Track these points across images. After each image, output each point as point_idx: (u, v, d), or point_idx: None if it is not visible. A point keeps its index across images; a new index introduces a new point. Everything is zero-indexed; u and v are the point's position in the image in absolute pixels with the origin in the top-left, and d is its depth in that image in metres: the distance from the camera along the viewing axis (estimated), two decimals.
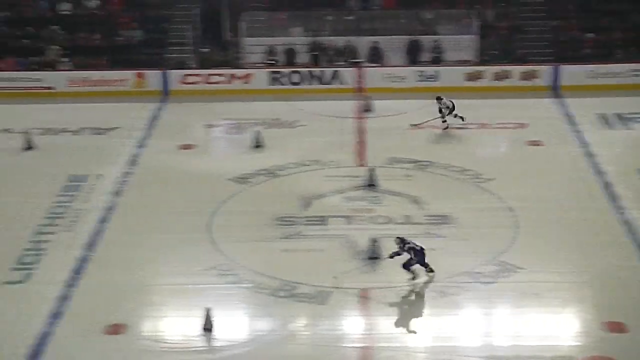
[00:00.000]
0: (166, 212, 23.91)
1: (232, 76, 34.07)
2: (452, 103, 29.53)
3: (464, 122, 29.62)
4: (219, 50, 36.00)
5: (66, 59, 34.86)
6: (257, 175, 26.30)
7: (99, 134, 29.96)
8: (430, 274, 20.40)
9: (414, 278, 20.32)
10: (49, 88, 33.76)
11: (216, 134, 30.37)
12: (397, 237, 20.41)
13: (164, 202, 24.53)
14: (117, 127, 30.33)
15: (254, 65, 34.87)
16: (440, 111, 29.50)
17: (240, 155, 28.03)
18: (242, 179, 25.96)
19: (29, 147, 28.52)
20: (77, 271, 20.95)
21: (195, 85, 33.72)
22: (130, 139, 29.31)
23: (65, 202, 24.67)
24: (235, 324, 19.15)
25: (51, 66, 34.64)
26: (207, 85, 33.77)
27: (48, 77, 33.96)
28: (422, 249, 20.16)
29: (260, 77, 34.05)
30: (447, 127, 29.65)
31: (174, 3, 36.79)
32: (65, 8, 36.58)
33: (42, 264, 21.41)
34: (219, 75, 34.04)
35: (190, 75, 34.14)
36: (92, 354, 18.00)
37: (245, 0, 36.87)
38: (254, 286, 20.23)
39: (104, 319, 18.92)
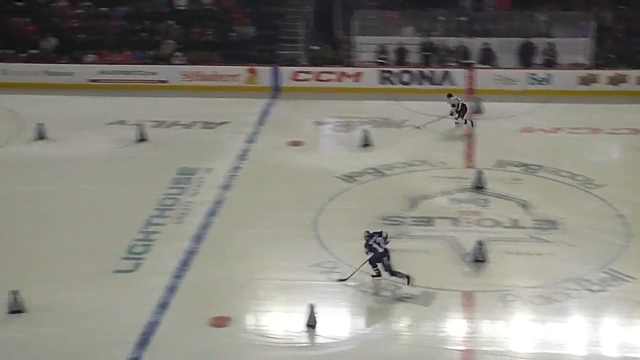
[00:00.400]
0: (273, 207, 24.12)
1: (343, 74, 34.13)
2: (464, 105, 29.14)
3: (473, 127, 29.29)
4: (330, 48, 36.08)
5: (180, 54, 35.46)
6: (364, 173, 26.33)
7: (210, 128, 30.41)
8: (376, 277, 20.06)
9: (377, 275, 20.03)
10: (163, 81, 34.40)
11: (325, 132, 30.48)
12: (367, 231, 20.21)
13: (272, 197, 24.76)
14: (227, 122, 30.73)
15: (364, 64, 34.87)
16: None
17: (348, 154, 28.08)
18: (350, 177, 26.02)
19: (142, 139, 29.13)
20: (185, 263, 21.32)
21: (306, 82, 33.90)
22: (240, 133, 29.66)
23: (175, 194, 25.11)
24: (338, 322, 19.22)
25: (166, 60, 35.29)
26: (318, 82, 33.91)
27: (163, 71, 34.61)
28: (384, 251, 19.78)
29: (370, 76, 34.05)
30: (458, 125, 29.19)
31: (287, 0, 37.04)
32: (181, 3, 37.21)
33: (151, 254, 21.85)
34: (330, 73, 34.15)
35: (301, 72, 34.33)
36: (197, 345, 18.28)
37: None
38: (358, 284, 20.26)
39: (209, 311, 19.22)
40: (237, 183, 25.96)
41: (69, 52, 35.74)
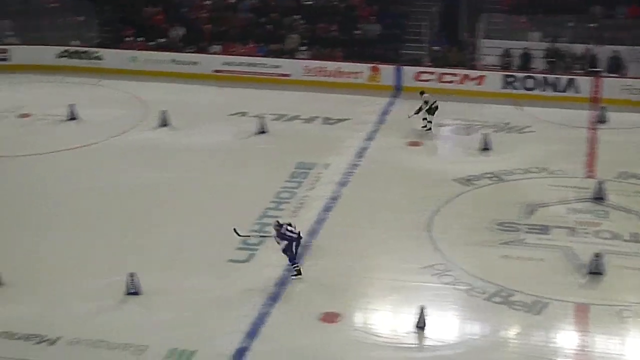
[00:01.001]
0: (388, 207, 24.08)
1: (465, 77, 33.86)
2: (437, 105, 29.42)
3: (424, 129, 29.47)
4: (454, 49, 35.82)
5: (304, 48, 35.71)
6: (482, 178, 26.06)
7: (330, 124, 30.55)
8: (295, 276, 20.45)
9: (298, 273, 20.51)
10: (285, 75, 34.71)
11: (444, 134, 30.27)
12: (277, 221, 20.63)
13: (387, 197, 24.74)
14: (347, 119, 30.82)
15: (488, 67, 34.51)
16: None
17: (466, 157, 27.85)
18: (467, 181, 25.80)
19: (262, 132, 29.46)
20: (298, 256, 21.39)
21: (428, 83, 33.68)
22: (359, 131, 29.71)
23: (291, 187, 25.32)
24: (448, 325, 19.09)
25: (290, 54, 35.58)
26: (440, 84, 33.69)
27: (286, 65, 34.91)
28: (298, 234, 20.47)
29: (493, 80, 33.67)
30: (426, 127, 29.50)
31: (414, 0, 36.92)
32: None
33: (265, 246, 22.00)
34: (452, 74, 33.92)
35: (423, 72, 34.16)
36: (305, 339, 18.41)
37: (486, 1, 36.47)
38: (469, 289, 20.09)
39: (319, 307, 19.34)
40: (353, 180, 26.01)
41: (196, 42, 36.40)
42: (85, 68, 35.89)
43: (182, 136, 29.25)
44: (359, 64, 34.38)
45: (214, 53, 35.71)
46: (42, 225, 23.22)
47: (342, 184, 25.71)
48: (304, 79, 34.29)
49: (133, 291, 19.76)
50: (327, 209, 24.12)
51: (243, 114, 31.17)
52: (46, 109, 31.44)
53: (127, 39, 36.82)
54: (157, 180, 25.74)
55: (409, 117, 29.40)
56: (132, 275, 19.76)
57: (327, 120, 30.74)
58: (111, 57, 36.01)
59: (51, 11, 37.77)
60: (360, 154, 27.93)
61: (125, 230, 22.93)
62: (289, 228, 20.63)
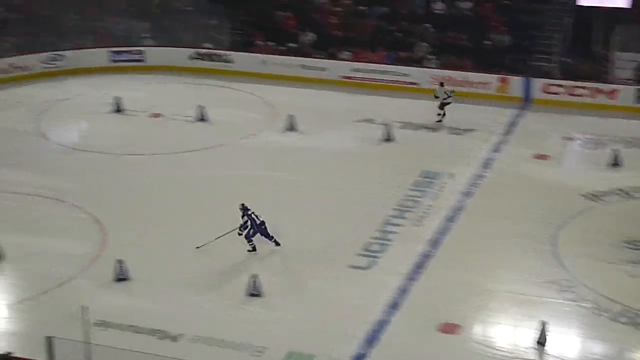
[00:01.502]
0: (513, 219, 23.80)
1: (597, 90, 33.14)
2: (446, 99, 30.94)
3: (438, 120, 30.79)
4: (586, 62, 35.11)
5: (433, 57, 35.57)
6: (611, 194, 25.49)
7: (456, 133, 30.35)
8: (277, 246, 21.76)
9: (253, 249, 21.78)
10: (413, 83, 34.66)
11: (573, 147, 29.75)
12: (242, 204, 21.68)
13: (512, 209, 24.45)
14: (474, 129, 30.56)
15: (621, 81, 33.70)
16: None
17: (595, 172, 27.26)
18: (595, 196, 25.27)
19: (388, 139, 29.48)
20: (419, 266, 21.42)
21: (557, 96, 33.20)
22: (486, 142, 29.45)
23: (415, 196, 25.26)
24: (570, 343, 18.74)
25: (418, 62, 35.51)
26: (570, 97, 33.12)
27: (414, 73, 34.86)
28: (262, 222, 21.63)
29: (626, 94, 32.87)
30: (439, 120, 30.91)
31: (546, 11, 36.34)
32: (438, 7, 37.32)
33: (386, 253, 22.09)
34: (583, 88, 33.25)
35: (553, 85, 33.64)
36: (424, 349, 18.36)
37: (622, 12, 35.57)
38: (593, 307, 19.68)
39: (438, 317, 19.24)
40: (478, 191, 25.79)
41: (325, 47, 36.66)
42: (216, 70, 36.59)
43: (308, 140, 29.52)
44: (487, 74, 34.05)
45: (343, 59, 35.91)
46: (169, 222, 23.77)
47: (467, 194, 25.52)
48: (432, 88, 34.02)
49: (254, 292, 20.04)
50: (451, 219, 23.98)
51: (370, 120, 31.25)
52: (176, 110, 32.17)
53: (258, 42, 37.36)
54: (282, 184, 26.06)
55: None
56: (254, 276, 20.04)
57: (453, 130, 30.55)
58: (241, 60, 36.61)
59: (185, 14, 38.66)
60: (486, 164, 27.66)
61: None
62: (256, 214, 21.75)
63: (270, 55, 36.47)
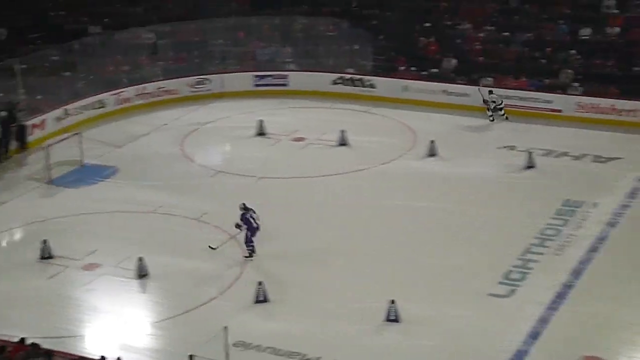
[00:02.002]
0: None
1: None
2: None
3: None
4: None
5: (577, 84, 34.88)
6: None
7: (600, 162, 29.59)
8: (248, 258, 22.64)
9: (250, 255, 22.70)
10: (557, 111, 34.04)
11: None
12: (243, 204, 22.59)
13: None
14: (619, 158, 29.71)
15: None
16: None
17: None
18: None
19: (530, 166, 29.04)
20: (561, 296, 20.98)
21: None
22: (632, 171, 28.55)
23: (557, 225, 24.78)
24: None
25: (562, 89, 34.88)
26: None
27: (558, 100, 34.21)
28: (257, 227, 22.62)
29: None
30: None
31: None
32: (585, 33, 36.59)
33: (527, 282, 21.75)
34: None
35: None
36: None
37: None
38: None
39: (580, 349, 18.79)
40: (623, 221, 25.08)
41: (467, 73, 36.43)
42: (358, 95, 36.79)
43: (449, 166, 29.34)
44: (634, 102, 33.08)
45: (486, 85, 35.61)
46: (308, 246, 24.02)
47: (611, 224, 24.86)
48: (576, 115, 33.48)
49: (393, 318, 20.01)
50: (594, 249, 23.41)
51: (511, 147, 30.86)
52: (318, 134, 32.49)
53: (400, 68, 37.44)
54: (422, 209, 26.02)
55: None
56: (392, 302, 20.02)
57: (597, 158, 29.82)
58: (383, 85, 36.72)
59: (328, 39, 39.06)
60: (632, 194, 26.85)
61: (388, 255, 23.32)
62: (254, 216, 22.63)
63: (412, 81, 36.46)
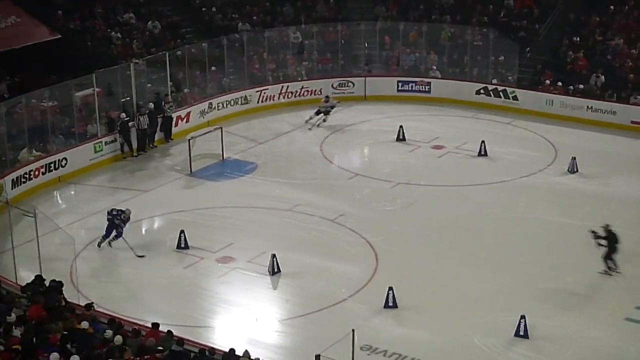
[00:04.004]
0: None
1: None
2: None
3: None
4: None
5: None
6: None
7: None
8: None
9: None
10: None
11: None
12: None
13: None
14: None
15: None
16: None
17: None
18: None
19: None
20: None
21: None
22: None
23: None
24: None
25: None
26: None
27: None
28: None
29: None
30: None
31: None
32: None
33: None
34: None
35: None
36: None
37: None
38: None
39: None
40: None
41: (616, 90, 35.50)
42: (500, 107, 36.33)
43: (590, 184, 28.70)
44: None
45: (635, 104, 34.60)
46: (442, 254, 23.88)
47: None
48: None
49: (522, 334, 19.70)
50: None
51: None
52: (458, 143, 32.25)
53: (546, 81, 36.79)
54: (561, 225, 25.57)
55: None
56: (522, 317, 19.71)
57: None
58: (527, 98, 36.16)
59: (475, 48, 38.69)
60: None
61: (523, 269, 22.99)
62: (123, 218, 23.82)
63: (557, 95, 35.76)
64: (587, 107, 34.90)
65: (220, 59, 36.33)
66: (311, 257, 23.57)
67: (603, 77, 36.09)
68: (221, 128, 31.46)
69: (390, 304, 21.02)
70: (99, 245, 24.07)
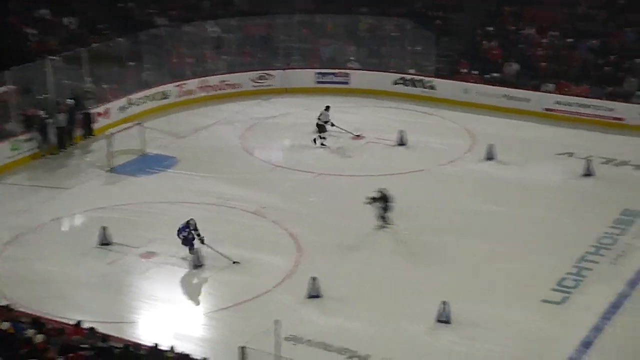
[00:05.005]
0: None
1: None
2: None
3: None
4: None
5: None
6: None
7: None
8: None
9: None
10: (619, 119, 33.76)
11: None
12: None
13: None
14: None
15: None
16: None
17: None
18: None
19: (588, 174, 28.87)
20: (616, 305, 20.88)
21: None
22: None
23: (614, 234, 24.63)
24: None
25: (626, 98, 34.51)
26: None
27: (621, 108, 33.90)
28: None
29: None
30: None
31: None
32: None
33: (580, 290, 21.66)
34: None
35: None
36: None
37: None
38: None
39: (633, 359, 18.71)
40: None
41: (529, 78, 36.25)
42: (418, 96, 36.86)
43: (507, 171, 29.30)
44: None
45: (547, 91, 35.40)
46: (363, 243, 24.22)
47: None
48: (639, 124, 33.13)
49: (444, 319, 20.09)
50: None
51: (570, 154, 30.69)
52: (378, 133, 32.61)
53: (462, 70, 37.39)
54: (478, 213, 26.01)
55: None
56: (444, 303, 20.10)
57: None
58: (444, 87, 36.76)
59: (392, 39, 39.12)
60: None
61: (443, 257, 23.41)
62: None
63: (474, 84, 36.41)
64: (503, 95, 35.60)
65: (138, 54, 36.15)
66: (234, 249, 23.64)
67: (517, 65, 36.83)
68: (141, 123, 31.34)
69: (314, 294, 21.24)
70: (195, 268, 22.99)
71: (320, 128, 31.61)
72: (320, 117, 31.63)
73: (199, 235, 22.92)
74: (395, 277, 22.35)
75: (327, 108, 31.80)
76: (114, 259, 23.37)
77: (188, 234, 22.92)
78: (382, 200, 24.61)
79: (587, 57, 36.63)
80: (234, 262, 22.86)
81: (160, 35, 37.15)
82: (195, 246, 23.04)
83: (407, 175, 29.00)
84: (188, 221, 23.01)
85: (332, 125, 31.72)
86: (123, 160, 30.13)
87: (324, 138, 31.56)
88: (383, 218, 24.71)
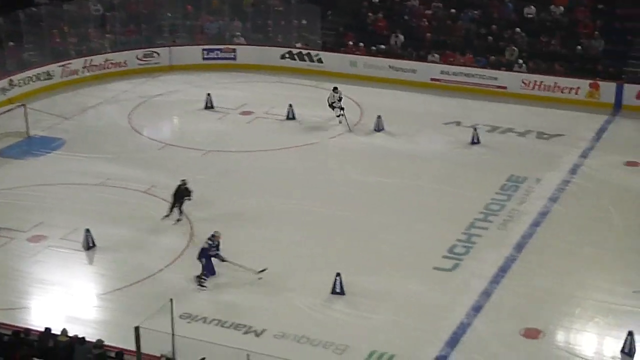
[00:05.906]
0: (601, 226, 23.62)
1: None
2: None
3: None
4: None
5: (522, 62, 35.22)
6: None
7: (544, 138, 30.04)
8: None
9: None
10: (502, 87, 34.45)
11: None
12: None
13: (600, 216, 24.22)
14: (562, 135, 30.19)
15: None
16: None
17: None
18: None
19: (476, 142, 29.41)
20: (503, 269, 21.40)
21: None
22: (574, 147, 29.04)
23: (501, 200, 25.19)
24: None
25: (508, 67, 35.25)
26: None
27: (503, 77, 34.60)
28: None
29: None
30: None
31: None
32: (530, 12, 36.95)
33: (470, 256, 22.13)
34: None
35: None
36: (505, 353, 18.41)
37: None
38: None
39: (522, 321, 19.27)
40: (565, 197, 25.57)
41: (415, 49, 36.67)
42: (306, 70, 36.90)
43: (395, 142, 29.63)
44: (577, 80, 33.55)
45: (432, 61, 35.87)
46: (257, 219, 24.20)
47: (553, 199, 25.33)
48: (521, 92, 33.89)
49: (338, 291, 20.27)
50: (536, 224, 23.85)
51: (457, 123, 31.21)
52: (267, 108, 32.58)
53: (349, 43, 37.57)
54: (368, 183, 26.28)
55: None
56: (338, 275, 20.27)
57: (541, 135, 30.27)
58: (331, 60, 36.87)
59: (277, 13, 39.04)
60: (574, 170, 27.34)
61: (335, 229, 23.58)
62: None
63: (360, 57, 36.64)
64: (389, 66, 35.93)
65: (18, 34, 35.23)
66: (126, 230, 23.40)
67: (402, 36, 37.18)
68: (24, 105, 30.59)
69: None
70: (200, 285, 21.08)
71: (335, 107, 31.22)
72: (328, 99, 31.25)
73: (217, 254, 21.04)
74: (289, 251, 22.43)
75: (335, 89, 31.41)
76: (0, 244, 22.82)
77: (215, 255, 21.04)
78: (180, 195, 23.83)
79: (469, 27, 37.21)
80: (259, 272, 21.05)
81: (40, 14, 36.25)
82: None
83: (297, 149, 29.06)
84: (213, 235, 21.24)
85: (333, 108, 31.19)
86: (7, 144, 29.42)
87: (342, 115, 31.02)
88: (175, 208, 23.81)
